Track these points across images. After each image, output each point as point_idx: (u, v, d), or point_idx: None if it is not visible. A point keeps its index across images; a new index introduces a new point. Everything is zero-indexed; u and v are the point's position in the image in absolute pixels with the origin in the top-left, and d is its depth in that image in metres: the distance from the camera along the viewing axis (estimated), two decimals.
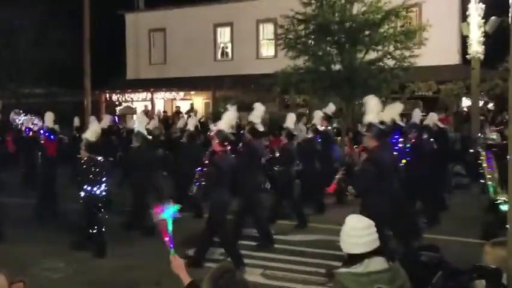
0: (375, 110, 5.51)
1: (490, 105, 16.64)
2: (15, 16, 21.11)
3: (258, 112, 7.11)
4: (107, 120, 10.05)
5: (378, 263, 2.45)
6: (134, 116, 19.18)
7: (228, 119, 6.18)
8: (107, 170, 6.75)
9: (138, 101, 22.08)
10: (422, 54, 13.69)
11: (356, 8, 13.59)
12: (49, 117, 8.84)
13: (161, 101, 22.16)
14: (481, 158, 6.37)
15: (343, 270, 2.49)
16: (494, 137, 11.21)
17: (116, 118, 17.09)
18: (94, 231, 6.37)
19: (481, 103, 15.19)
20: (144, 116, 10.86)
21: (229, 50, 21.41)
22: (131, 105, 21.99)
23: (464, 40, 13.94)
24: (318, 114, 9.36)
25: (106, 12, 21.86)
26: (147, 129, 9.85)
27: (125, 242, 6.88)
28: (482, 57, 12.88)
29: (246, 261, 6.10)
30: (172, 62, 21.68)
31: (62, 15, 20.92)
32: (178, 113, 18.70)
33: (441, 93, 16.39)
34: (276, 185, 8.72)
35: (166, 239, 2.80)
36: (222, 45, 21.55)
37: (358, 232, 2.47)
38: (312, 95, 15.18)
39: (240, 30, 20.58)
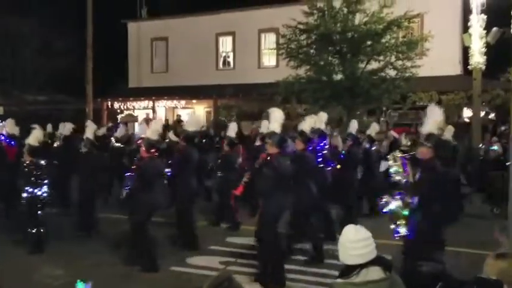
0: (278, 120, 5.95)
1: (491, 116, 16.63)
2: (20, 25, 21.29)
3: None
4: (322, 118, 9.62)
5: (375, 273, 2.48)
6: (136, 123, 19.24)
7: (155, 128, 6.64)
8: (49, 173, 7.08)
9: (140, 109, 22.14)
10: (424, 64, 13.73)
11: (358, 19, 13.67)
12: (10, 123, 9.16)
13: (163, 109, 22.22)
14: (396, 164, 6.48)
15: (340, 281, 2.52)
16: (496, 147, 11.20)
17: (117, 127, 17.09)
18: (33, 230, 6.67)
19: (482, 114, 15.18)
20: (145, 123, 10.92)
21: (231, 59, 21.50)
22: (133, 113, 22.05)
23: (465, 51, 13.98)
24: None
25: (109, 21, 22.04)
26: (115, 137, 10.56)
27: (122, 249, 6.86)
28: (483, 67, 12.91)
29: (245, 270, 6.06)
30: (174, 70, 21.77)
31: (65, 24, 21.11)
32: (179, 121, 18.73)
33: (442, 103, 16.40)
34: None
35: None
36: (223, 54, 21.65)
37: (354, 244, 2.51)
38: (313, 105, 15.20)
39: (242, 39, 20.68)
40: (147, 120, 21.10)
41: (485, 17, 12.76)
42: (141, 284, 5.75)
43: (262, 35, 20.54)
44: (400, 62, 13.69)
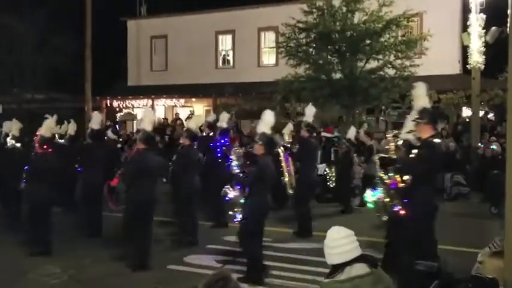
0: (197, 121, 6.85)
1: (490, 116, 16.63)
2: (18, 22, 21.25)
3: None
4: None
5: (360, 269, 2.54)
6: (135, 122, 19.23)
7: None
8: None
9: (139, 107, 22.10)
10: (422, 63, 13.72)
11: (357, 17, 13.67)
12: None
13: (162, 107, 22.19)
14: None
15: (326, 280, 2.60)
16: (494, 146, 11.21)
17: (117, 126, 17.10)
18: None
19: (481, 113, 15.18)
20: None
21: (230, 58, 21.48)
22: (132, 112, 22.02)
23: (464, 50, 13.98)
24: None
25: (108, 18, 22.00)
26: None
27: (120, 248, 6.86)
28: (482, 67, 12.90)
29: (241, 268, 6.07)
30: (173, 69, 21.74)
31: (64, 22, 21.05)
32: (177, 119, 18.71)
33: (441, 102, 16.40)
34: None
35: None
36: (223, 52, 21.63)
37: (337, 242, 2.58)
38: (313, 103, 15.18)
39: (241, 38, 20.66)
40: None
41: (484, 16, 12.75)
42: (137, 283, 5.75)
43: (262, 34, 20.52)
44: (399, 61, 13.69)
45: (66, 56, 21.56)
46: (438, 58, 15.46)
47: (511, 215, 2.82)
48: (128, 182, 6.08)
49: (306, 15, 14.05)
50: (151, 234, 6.19)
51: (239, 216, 5.65)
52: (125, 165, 6.98)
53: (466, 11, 14.35)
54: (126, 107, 22.22)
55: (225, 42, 21.50)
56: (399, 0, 13.32)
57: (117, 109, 22.25)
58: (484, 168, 10.76)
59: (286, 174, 7.48)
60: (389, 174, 5.20)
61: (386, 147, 6.48)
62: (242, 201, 5.62)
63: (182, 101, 21.36)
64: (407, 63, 13.59)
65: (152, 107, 21.85)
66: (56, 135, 10.36)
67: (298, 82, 14.33)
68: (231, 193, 5.88)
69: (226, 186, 6.01)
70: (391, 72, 13.83)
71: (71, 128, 9.57)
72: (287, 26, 14.46)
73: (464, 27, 13.94)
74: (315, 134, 8.79)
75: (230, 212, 5.86)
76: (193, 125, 7.97)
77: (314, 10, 13.91)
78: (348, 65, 13.70)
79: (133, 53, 22.98)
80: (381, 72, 13.88)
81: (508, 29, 2.92)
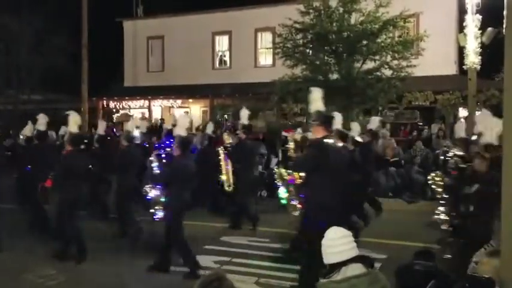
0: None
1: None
2: (15, 23, 21.18)
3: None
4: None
5: (356, 269, 2.56)
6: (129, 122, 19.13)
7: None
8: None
9: (136, 108, 22.07)
10: (419, 64, 13.75)
11: (354, 18, 13.68)
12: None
13: (159, 108, 22.17)
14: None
15: (323, 281, 2.62)
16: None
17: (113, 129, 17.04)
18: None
19: (477, 113, 15.22)
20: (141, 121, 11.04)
21: (227, 58, 21.48)
22: (128, 113, 21.97)
23: (461, 51, 14.02)
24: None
25: (104, 19, 21.94)
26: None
27: (116, 249, 6.86)
28: (478, 67, 12.92)
29: (240, 269, 6.06)
30: (170, 69, 21.72)
31: (60, 22, 21.00)
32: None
33: (438, 103, 16.45)
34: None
35: None
36: (220, 53, 21.63)
37: (334, 242, 2.62)
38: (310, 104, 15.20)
39: (238, 38, 20.66)
40: (143, 120, 21.09)
41: (481, 17, 12.78)
42: (135, 283, 5.73)
43: (259, 34, 20.53)
44: (395, 62, 13.71)
45: (62, 57, 21.53)
46: (435, 59, 15.51)
47: (508, 215, 2.82)
48: (56, 183, 6.51)
49: (303, 16, 14.06)
50: (79, 230, 6.47)
51: (159, 214, 6.06)
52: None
53: (462, 11, 14.38)
54: (123, 108, 22.18)
55: (222, 43, 21.50)
56: (396, 1, 13.35)
57: (114, 110, 22.20)
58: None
59: (224, 172, 7.99)
60: (288, 171, 5.66)
61: (287, 145, 6.99)
62: (162, 199, 6.04)
63: (179, 101, 21.34)
64: (404, 63, 13.61)
65: (149, 107, 21.85)
66: (21, 136, 10.55)
67: (295, 83, 14.34)
68: (152, 192, 6.20)
69: (146, 186, 6.37)
70: (388, 73, 13.85)
71: (28, 129, 9.44)
72: (284, 27, 14.46)
73: (461, 28, 13.98)
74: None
75: (151, 210, 6.20)
76: (130, 127, 8.06)
77: (311, 11, 13.91)
78: (345, 65, 13.71)
79: (130, 53, 22.94)
80: (378, 73, 13.90)
81: (504, 30, 2.92)
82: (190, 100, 21.39)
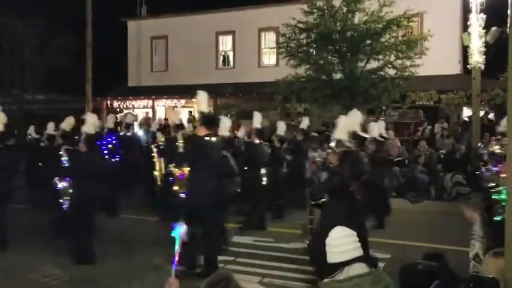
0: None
1: (491, 116, 16.61)
2: (18, 23, 21.26)
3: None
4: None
5: (359, 268, 2.55)
6: (135, 122, 19.17)
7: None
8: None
9: (139, 108, 22.12)
10: (423, 63, 13.71)
11: (357, 18, 13.65)
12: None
13: (162, 108, 22.20)
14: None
15: (326, 280, 2.61)
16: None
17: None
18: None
19: (482, 113, 15.17)
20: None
21: (231, 58, 21.49)
22: (132, 112, 22.03)
23: (465, 50, 13.95)
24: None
25: (108, 19, 22.01)
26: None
27: (120, 249, 6.88)
28: (483, 67, 12.88)
29: (244, 269, 6.08)
30: (174, 69, 21.75)
31: (64, 22, 21.08)
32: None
33: (442, 102, 16.39)
34: None
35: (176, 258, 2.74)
36: (223, 53, 21.64)
37: (338, 241, 2.61)
38: (313, 104, 15.19)
39: (242, 38, 20.67)
40: (147, 119, 21.13)
41: (485, 16, 12.73)
42: (138, 282, 5.75)
43: (262, 34, 20.53)
44: (399, 61, 13.67)
45: (66, 57, 21.59)
46: (439, 58, 15.45)
47: (511, 215, 2.81)
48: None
49: (307, 15, 14.04)
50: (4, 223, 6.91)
51: (66, 204, 6.53)
52: None
53: (466, 11, 14.34)
54: (127, 108, 22.23)
55: (226, 43, 21.51)
56: (399, 1, 13.30)
57: (118, 110, 22.25)
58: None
59: (157, 168, 8.28)
60: (176, 166, 6.22)
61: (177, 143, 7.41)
62: (70, 191, 6.52)
63: (183, 101, 21.37)
64: (407, 63, 13.57)
65: (153, 107, 21.88)
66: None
67: (298, 82, 14.33)
68: (60, 184, 6.68)
69: (55, 178, 6.82)
70: (391, 72, 13.82)
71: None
72: (287, 27, 14.44)
73: (465, 27, 13.93)
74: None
75: (60, 200, 6.67)
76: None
77: (314, 10, 13.89)
78: (349, 65, 13.69)
79: (134, 53, 22.99)
80: (382, 73, 13.86)
81: (508, 29, 2.92)
82: (194, 100, 21.33)
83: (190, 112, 20.64)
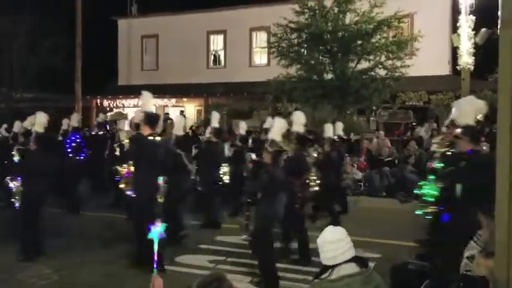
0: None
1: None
2: (8, 21, 21.02)
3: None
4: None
5: (350, 268, 2.57)
6: (126, 121, 19.07)
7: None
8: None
9: (130, 107, 21.97)
10: (413, 64, 13.82)
11: (349, 18, 13.72)
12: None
13: (153, 107, 22.06)
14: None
15: (317, 280, 2.64)
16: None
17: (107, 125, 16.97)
18: None
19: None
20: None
21: (222, 58, 21.45)
22: (122, 111, 21.88)
23: (454, 51, 14.11)
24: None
25: (98, 17, 21.83)
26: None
27: (108, 249, 6.84)
28: (472, 68, 13.01)
29: (234, 268, 6.06)
30: (164, 68, 21.67)
31: (54, 21, 20.86)
32: (167, 119, 18.61)
33: (431, 103, 16.54)
34: None
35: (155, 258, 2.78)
36: (214, 52, 21.60)
37: (330, 246, 2.62)
38: (304, 104, 15.24)
39: (233, 37, 20.64)
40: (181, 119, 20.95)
41: (474, 17, 12.86)
42: (128, 283, 5.72)
43: (254, 34, 20.53)
44: (390, 62, 13.76)
45: (56, 55, 21.39)
46: (428, 59, 15.58)
47: (502, 214, 2.84)
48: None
49: (298, 15, 14.08)
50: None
51: (17, 204, 6.57)
52: None
53: (456, 12, 14.46)
54: (117, 107, 22.09)
55: (217, 42, 21.48)
56: (390, 1, 13.40)
57: (108, 109, 22.09)
58: None
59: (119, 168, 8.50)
60: (124, 166, 6.34)
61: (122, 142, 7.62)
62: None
63: (173, 100, 21.29)
64: (398, 63, 13.68)
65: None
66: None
67: (289, 82, 14.36)
68: (12, 183, 6.70)
69: (7, 177, 6.88)
70: (382, 72, 13.91)
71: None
72: (279, 26, 14.47)
73: (454, 29, 14.06)
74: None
75: (12, 199, 6.72)
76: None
77: (306, 10, 13.94)
78: (340, 65, 13.76)
79: (124, 52, 22.86)
80: (372, 73, 13.95)
81: (497, 31, 2.94)
82: (185, 99, 21.35)
83: (182, 111, 20.59)
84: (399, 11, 13.54)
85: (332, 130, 8.79)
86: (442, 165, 4.82)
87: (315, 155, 11.36)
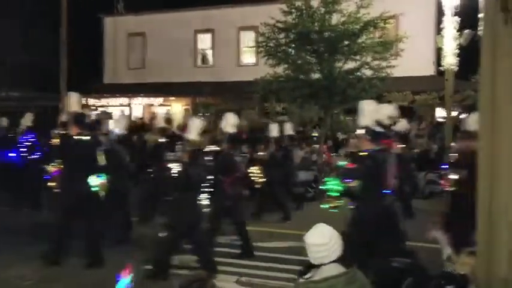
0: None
1: (464, 116, 17.03)
2: None
3: None
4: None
5: (334, 269, 2.58)
6: (111, 120, 18.92)
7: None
8: None
9: (116, 105, 21.82)
10: (398, 65, 13.95)
11: (335, 19, 13.78)
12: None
13: (139, 106, 21.96)
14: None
15: (302, 280, 2.65)
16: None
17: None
18: None
19: (454, 114, 15.55)
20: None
21: (209, 57, 21.40)
22: (107, 110, 21.69)
23: (439, 52, 14.28)
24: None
25: (84, 15, 21.60)
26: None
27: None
28: (456, 69, 13.20)
29: (221, 268, 6.06)
30: (151, 67, 21.54)
31: (39, 18, 20.61)
32: (153, 119, 18.47)
33: (416, 103, 16.73)
34: None
35: None
36: (202, 51, 21.54)
37: (316, 248, 2.63)
38: (292, 103, 15.29)
39: (221, 37, 20.61)
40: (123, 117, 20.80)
41: (459, 19, 13.05)
42: (109, 283, 5.68)
43: (242, 33, 20.52)
44: (376, 62, 13.87)
45: (41, 53, 21.12)
46: (413, 60, 15.76)
47: (483, 215, 2.90)
48: None
49: (285, 15, 14.10)
50: None
51: None
52: None
53: (440, 13, 14.65)
54: (103, 106, 21.90)
55: (204, 41, 21.42)
56: (376, 2, 13.50)
57: (93, 107, 21.88)
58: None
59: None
60: (52, 164, 6.53)
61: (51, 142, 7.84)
62: None
63: (160, 99, 21.18)
64: (383, 64, 13.79)
65: (129, 105, 21.62)
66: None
67: (277, 82, 14.38)
68: None
69: None
70: (368, 73, 14.01)
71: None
72: (266, 26, 14.48)
73: (439, 30, 14.23)
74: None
75: None
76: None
77: (293, 10, 13.96)
78: (327, 65, 13.81)
79: (110, 50, 22.66)
80: (359, 73, 14.04)
81: (481, 32, 3.00)
82: (172, 98, 21.25)
83: (168, 111, 20.50)
84: (385, 12, 13.65)
85: (278, 130, 9.36)
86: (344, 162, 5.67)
87: (302, 154, 11.49)
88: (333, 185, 5.22)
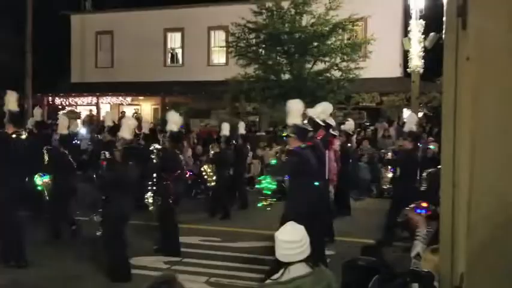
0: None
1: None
2: None
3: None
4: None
5: (300, 268, 2.58)
6: (78, 120, 18.49)
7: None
8: None
9: (83, 105, 21.33)
10: (366, 66, 14.23)
11: (305, 20, 13.93)
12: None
13: (107, 105, 21.52)
14: None
15: (269, 281, 2.65)
16: (432, 146, 11.80)
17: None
18: None
19: (420, 114, 15.96)
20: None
21: (179, 56, 21.21)
22: (75, 110, 21.18)
23: (405, 54, 14.64)
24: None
25: (51, 12, 20.99)
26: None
27: (58, 252, 6.62)
28: (421, 71, 13.56)
29: (190, 269, 6.03)
30: (119, 65, 21.15)
31: (3, 15, 19.88)
32: (122, 118, 18.20)
33: (384, 104, 17.09)
34: None
35: None
36: (172, 50, 21.32)
37: (288, 245, 2.61)
38: (262, 103, 15.34)
39: (191, 36, 20.45)
40: (91, 117, 20.38)
41: (424, 22, 13.41)
42: (81, 283, 5.56)
43: (212, 33, 20.43)
44: (344, 64, 14.09)
45: (5, 51, 20.40)
46: (381, 61, 16.08)
47: (446, 213, 2.98)
48: None
49: (256, 15, 14.15)
50: None
51: None
52: None
53: (407, 16, 15.02)
54: (70, 105, 21.37)
55: (174, 40, 21.20)
56: (345, 5, 13.72)
57: (60, 107, 21.33)
58: (425, 167, 11.26)
59: None
60: None
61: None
62: None
63: (129, 99, 20.84)
64: (352, 65, 14.03)
65: (97, 104, 21.17)
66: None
67: (247, 82, 14.41)
68: None
69: None
70: (337, 74, 14.23)
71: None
72: (237, 26, 14.48)
73: (406, 33, 14.59)
74: None
75: None
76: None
77: (263, 11, 14.03)
78: (297, 66, 13.95)
79: (77, 49, 22.13)
80: (328, 74, 14.24)
81: (443, 36, 3.08)
82: (141, 97, 20.94)
83: (136, 111, 20.21)
84: (353, 14, 13.89)
85: (229, 129, 9.58)
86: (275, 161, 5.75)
87: (273, 154, 11.56)
88: (266, 183, 5.29)
